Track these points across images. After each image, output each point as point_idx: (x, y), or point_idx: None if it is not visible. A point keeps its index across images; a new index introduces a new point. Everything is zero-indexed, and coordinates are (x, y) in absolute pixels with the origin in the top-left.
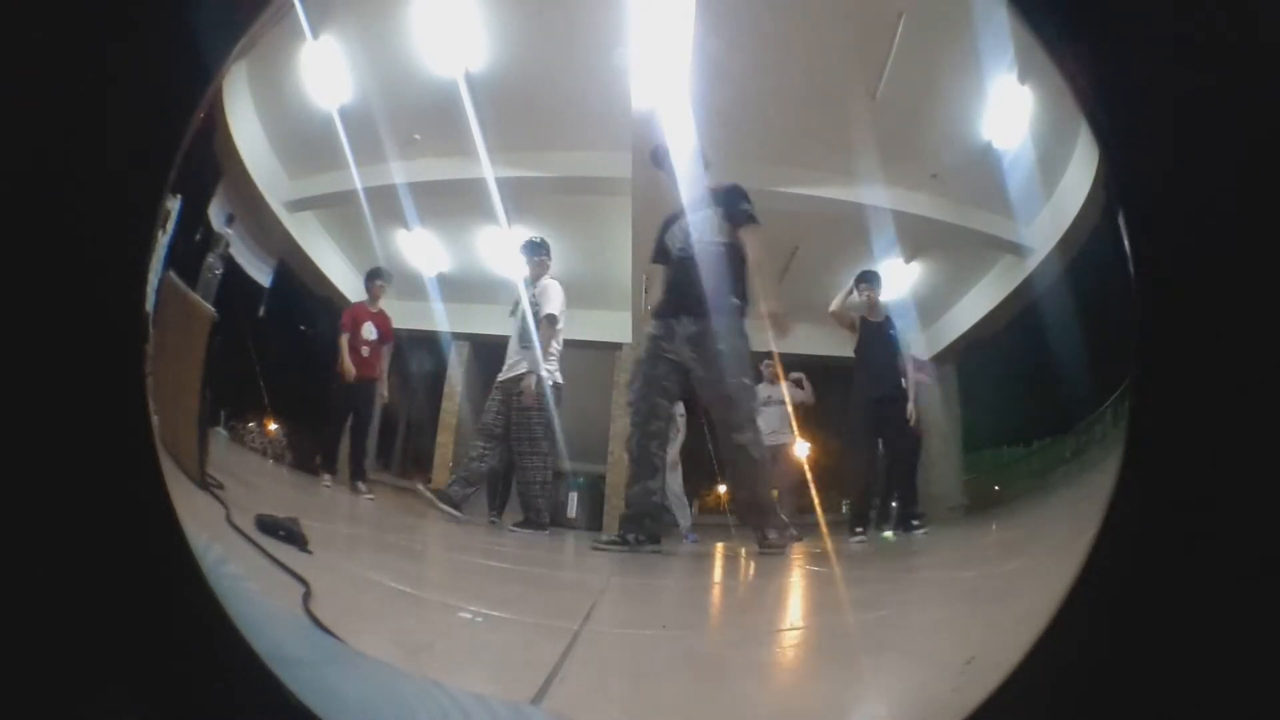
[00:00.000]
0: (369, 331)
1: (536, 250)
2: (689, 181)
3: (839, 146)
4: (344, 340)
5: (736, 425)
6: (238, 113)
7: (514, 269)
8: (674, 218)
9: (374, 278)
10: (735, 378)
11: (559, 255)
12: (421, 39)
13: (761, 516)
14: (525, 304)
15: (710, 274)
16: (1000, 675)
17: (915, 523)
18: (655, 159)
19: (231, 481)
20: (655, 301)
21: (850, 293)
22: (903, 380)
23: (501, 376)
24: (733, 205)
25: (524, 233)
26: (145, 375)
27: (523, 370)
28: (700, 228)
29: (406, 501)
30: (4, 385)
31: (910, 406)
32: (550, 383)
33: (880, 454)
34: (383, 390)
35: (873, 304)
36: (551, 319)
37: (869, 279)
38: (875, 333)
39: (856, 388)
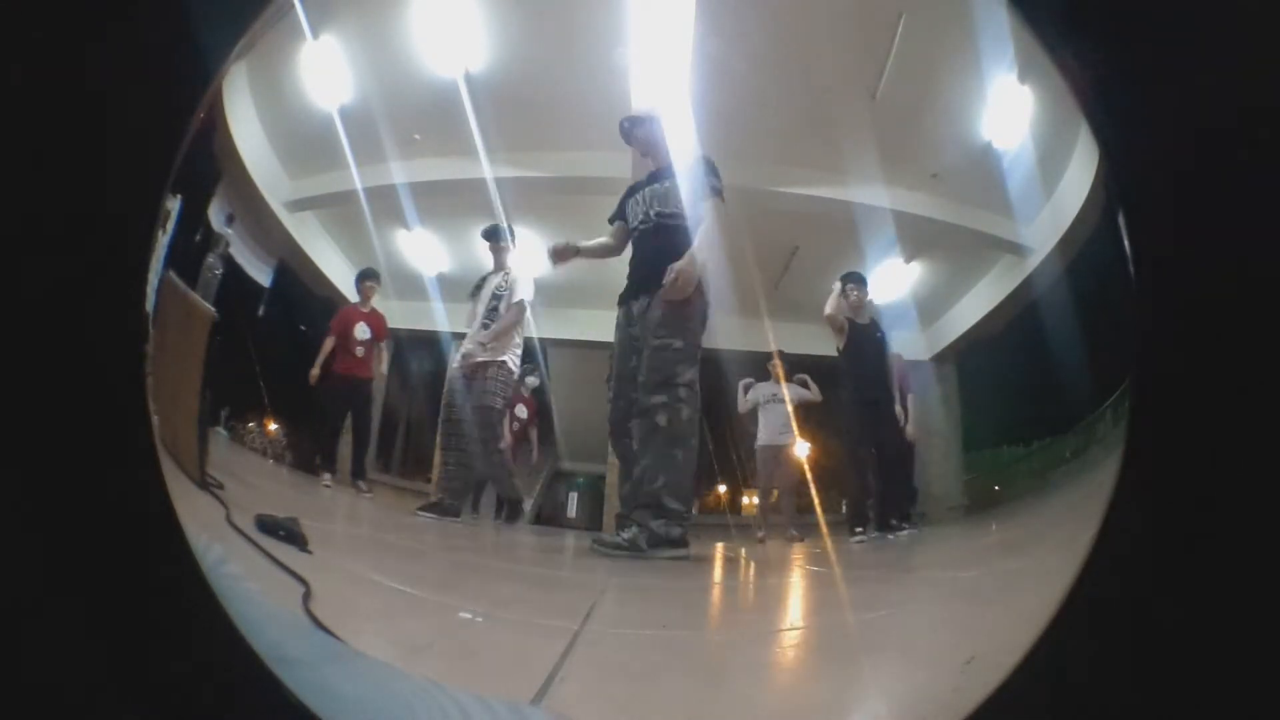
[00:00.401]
0: (362, 331)
1: (507, 236)
2: (658, 153)
3: (839, 146)
4: (327, 343)
5: (653, 386)
6: (238, 113)
7: (492, 234)
8: (638, 186)
9: (363, 278)
10: (664, 338)
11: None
12: (421, 39)
13: (647, 500)
14: (500, 283)
15: (669, 250)
16: (1000, 675)
17: (895, 522)
18: (624, 133)
19: (231, 481)
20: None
21: (841, 294)
22: (890, 383)
23: (456, 364)
24: (700, 178)
25: (523, 232)
26: (145, 375)
27: (486, 358)
28: (663, 199)
29: (406, 501)
30: (4, 385)
31: (898, 409)
32: (517, 376)
33: (874, 455)
34: (380, 384)
35: (858, 305)
36: (522, 306)
37: (854, 279)
38: (861, 335)
39: (845, 390)
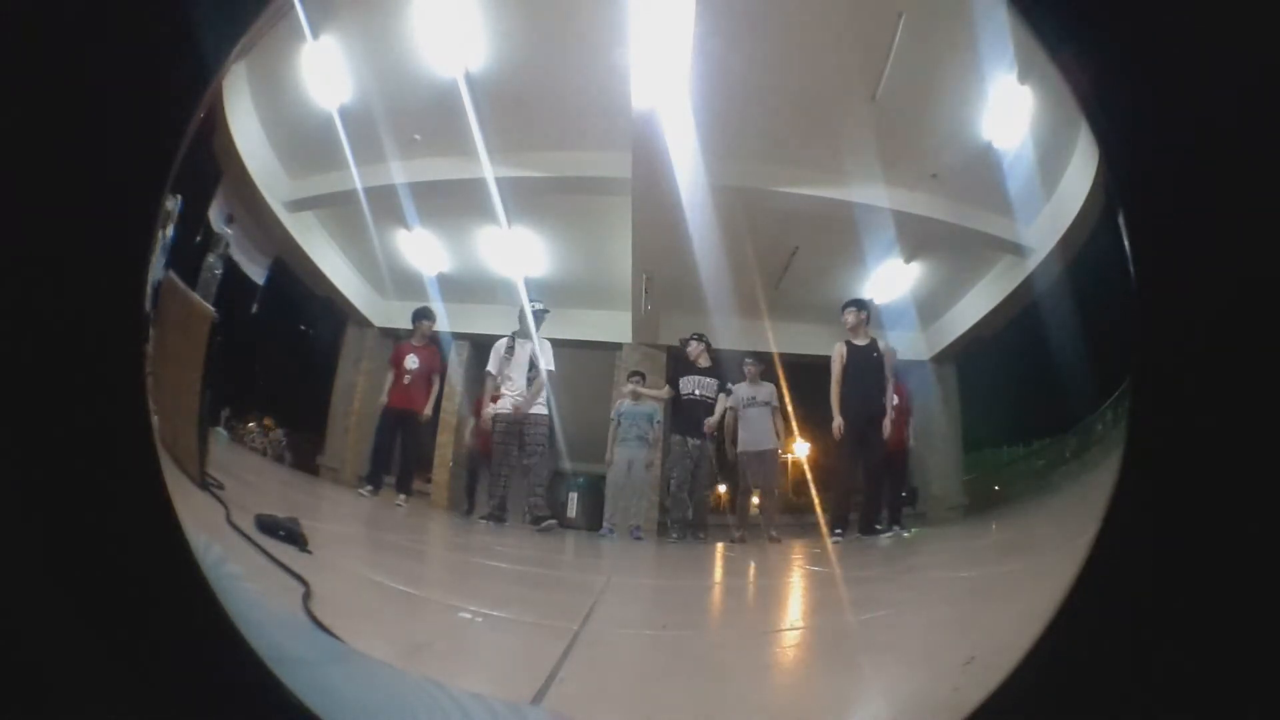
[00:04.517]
0: (410, 362)
1: (545, 317)
2: (700, 356)
3: (839, 146)
4: (390, 374)
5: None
6: (238, 113)
7: (522, 315)
8: (687, 371)
9: (416, 317)
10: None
11: (559, 255)
12: (421, 39)
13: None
14: (535, 352)
15: (703, 412)
16: (1000, 675)
17: (879, 527)
18: (690, 347)
19: (231, 481)
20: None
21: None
22: (883, 399)
23: (527, 409)
24: (720, 379)
25: (524, 233)
26: (145, 375)
27: (543, 412)
28: (703, 386)
29: (405, 502)
30: (4, 385)
31: (886, 423)
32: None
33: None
34: (427, 413)
35: (857, 327)
36: (549, 374)
37: (856, 304)
38: (859, 355)
39: (842, 405)
